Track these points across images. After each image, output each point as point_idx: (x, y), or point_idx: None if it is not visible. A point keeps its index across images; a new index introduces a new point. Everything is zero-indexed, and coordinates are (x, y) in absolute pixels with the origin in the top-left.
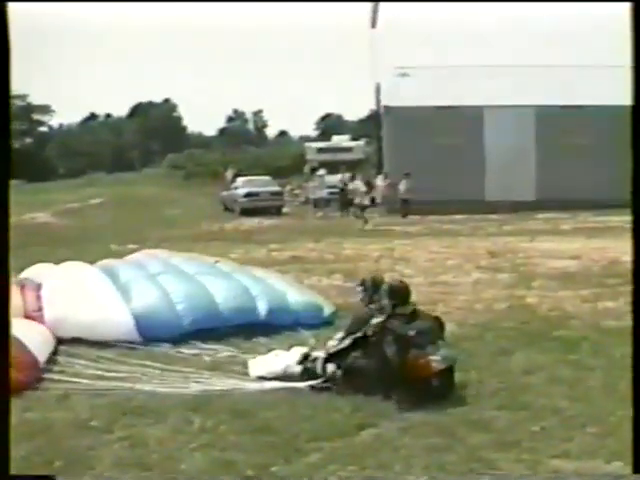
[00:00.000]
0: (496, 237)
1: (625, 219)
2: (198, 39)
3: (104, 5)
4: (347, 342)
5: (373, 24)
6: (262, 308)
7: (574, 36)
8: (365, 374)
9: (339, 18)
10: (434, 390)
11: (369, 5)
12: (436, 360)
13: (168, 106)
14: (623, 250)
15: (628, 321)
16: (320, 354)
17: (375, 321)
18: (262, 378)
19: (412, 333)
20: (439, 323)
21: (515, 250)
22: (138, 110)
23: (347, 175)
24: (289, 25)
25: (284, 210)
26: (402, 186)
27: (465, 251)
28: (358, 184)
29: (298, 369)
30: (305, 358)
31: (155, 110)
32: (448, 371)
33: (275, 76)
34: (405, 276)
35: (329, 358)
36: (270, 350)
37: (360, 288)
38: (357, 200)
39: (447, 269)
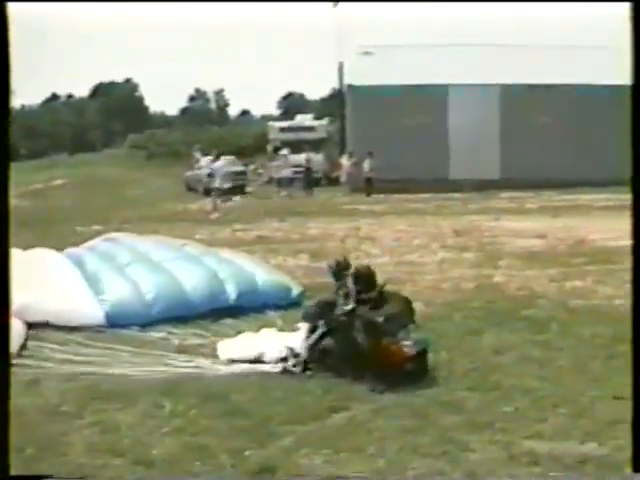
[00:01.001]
0: (461, 216)
1: (591, 197)
2: (160, 17)
3: None
4: (318, 333)
5: (335, 2)
6: (231, 292)
7: (542, 16)
8: (335, 357)
9: None
10: (408, 374)
11: None
12: (408, 345)
13: (130, 86)
14: (589, 229)
15: (596, 300)
16: (295, 346)
17: (343, 309)
18: (232, 361)
19: (380, 319)
20: (409, 305)
21: (481, 229)
22: (99, 90)
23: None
24: (250, 3)
25: (247, 190)
26: (366, 165)
27: (431, 230)
28: (220, 165)
29: (277, 365)
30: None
31: (117, 90)
32: (421, 354)
33: (236, 55)
34: (371, 256)
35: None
36: (239, 332)
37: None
38: (216, 183)
39: (413, 248)
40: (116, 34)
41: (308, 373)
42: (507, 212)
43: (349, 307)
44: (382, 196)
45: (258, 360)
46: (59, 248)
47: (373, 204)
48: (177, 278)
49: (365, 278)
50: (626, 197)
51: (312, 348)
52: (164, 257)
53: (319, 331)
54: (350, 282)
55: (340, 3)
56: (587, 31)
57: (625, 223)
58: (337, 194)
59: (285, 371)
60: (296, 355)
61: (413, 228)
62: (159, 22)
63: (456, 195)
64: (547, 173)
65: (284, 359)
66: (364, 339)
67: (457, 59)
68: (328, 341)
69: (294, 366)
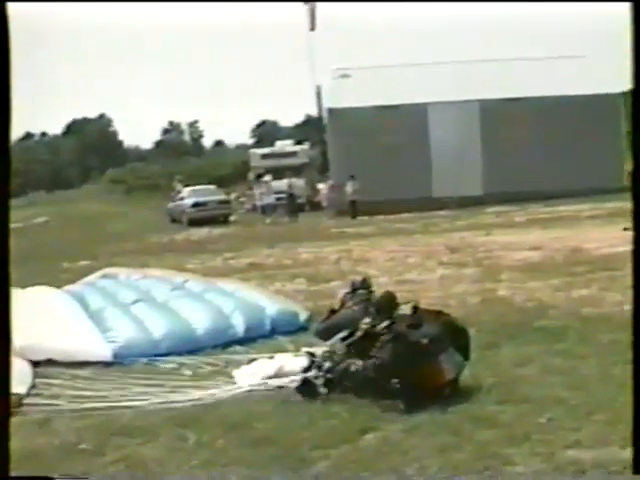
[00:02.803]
0: (450, 233)
1: (577, 208)
2: (127, 49)
3: (30, 17)
4: (340, 337)
5: (312, 26)
6: (239, 325)
7: (515, 29)
8: (359, 377)
9: (275, 22)
10: (443, 398)
11: (306, 7)
12: (448, 369)
13: (103, 121)
14: (582, 238)
15: (606, 308)
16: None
17: (379, 325)
18: (251, 388)
19: (425, 341)
20: (449, 323)
21: (473, 244)
22: (73, 127)
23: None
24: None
25: (231, 218)
26: (349, 188)
27: (423, 248)
28: None
29: (297, 377)
30: (311, 364)
31: (90, 126)
32: (456, 377)
33: (208, 85)
34: (369, 276)
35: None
36: (251, 359)
37: (348, 290)
38: None
39: (410, 267)
40: (86, 70)
41: (323, 391)
42: (496, 226)
43: (385, 323)
44: (367, 218)
45: (277, 376)
46: (50, 285)
47: (359, 226)
48: (183, 317)
49: (387, 303)
50: (612, 206)
51: (332, 358)
52: (168, 296)
53: (341, 335)
54: (375, 312)
55: (317, 27)
56: (563, 41)
57: (616, 230)
58: (322, 218)
59: (305, 383)
60: (318, 365)
61: (405, 247)
62: (130, 55)
63: (441, 213)
64: (530, 186)
65: (306, 369)
66: (404, 361)
67: (434, 77)
68: (350, 361)
69: (316, 378)
